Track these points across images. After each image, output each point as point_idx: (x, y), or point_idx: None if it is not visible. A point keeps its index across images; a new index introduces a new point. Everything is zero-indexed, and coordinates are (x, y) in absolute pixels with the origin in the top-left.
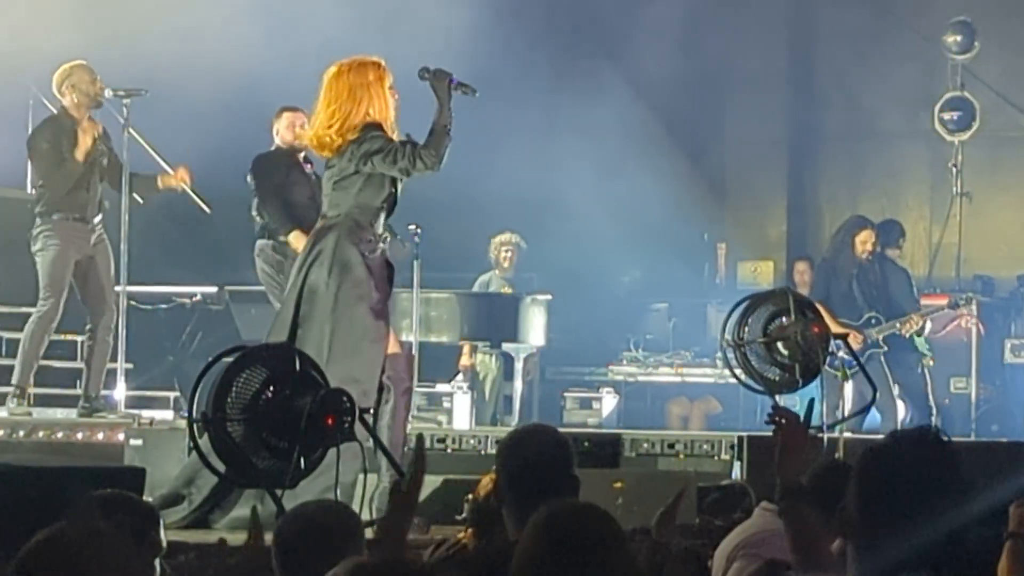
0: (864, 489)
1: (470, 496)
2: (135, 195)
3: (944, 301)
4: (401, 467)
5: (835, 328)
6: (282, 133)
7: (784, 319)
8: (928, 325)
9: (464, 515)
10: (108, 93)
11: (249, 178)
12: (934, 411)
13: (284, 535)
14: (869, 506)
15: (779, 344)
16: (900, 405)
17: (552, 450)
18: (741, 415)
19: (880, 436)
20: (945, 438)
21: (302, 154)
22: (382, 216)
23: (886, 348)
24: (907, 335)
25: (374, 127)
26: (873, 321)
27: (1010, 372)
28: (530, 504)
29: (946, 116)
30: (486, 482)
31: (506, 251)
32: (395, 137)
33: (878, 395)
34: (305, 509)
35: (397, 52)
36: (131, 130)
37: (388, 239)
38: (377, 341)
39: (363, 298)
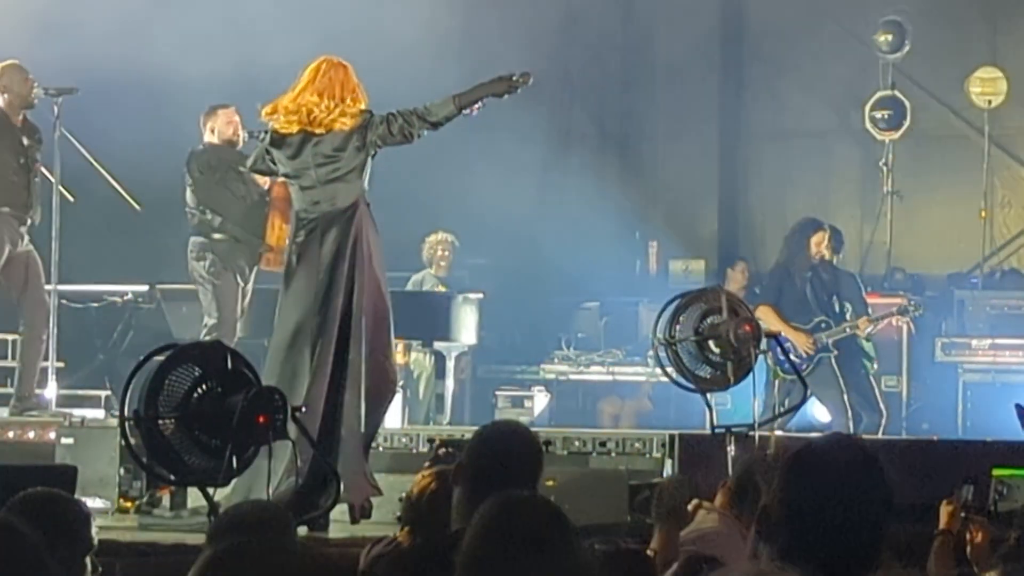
0: (787, 497)
1: (404, 495)
2: (65, 192)
3: (893, 302)
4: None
5: (786, 331)
6: (220, 129)
7: (716, 317)
8: (873, 328)
9: (399, 514)
10: (40, 92)
11: (187, 175)
12: (883, 413)
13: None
14: (792, 514)
15: (711, 342)
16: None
17: (522, 448)
18: (673, 413)
19: (819, 434)
20: (867, 446)
21: (238, 149)
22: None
23: (836, 352)
24: (862, 335)
25: (365, 114)
26: (823, 325)
27: (940, 370)
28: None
29: (877, 115)
30: (419, 480)
31: (441, 250)
32: None
33: (833, 397)
34: (240, 509)
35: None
36: (62, 129)
37: None
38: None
39: (383, 270)
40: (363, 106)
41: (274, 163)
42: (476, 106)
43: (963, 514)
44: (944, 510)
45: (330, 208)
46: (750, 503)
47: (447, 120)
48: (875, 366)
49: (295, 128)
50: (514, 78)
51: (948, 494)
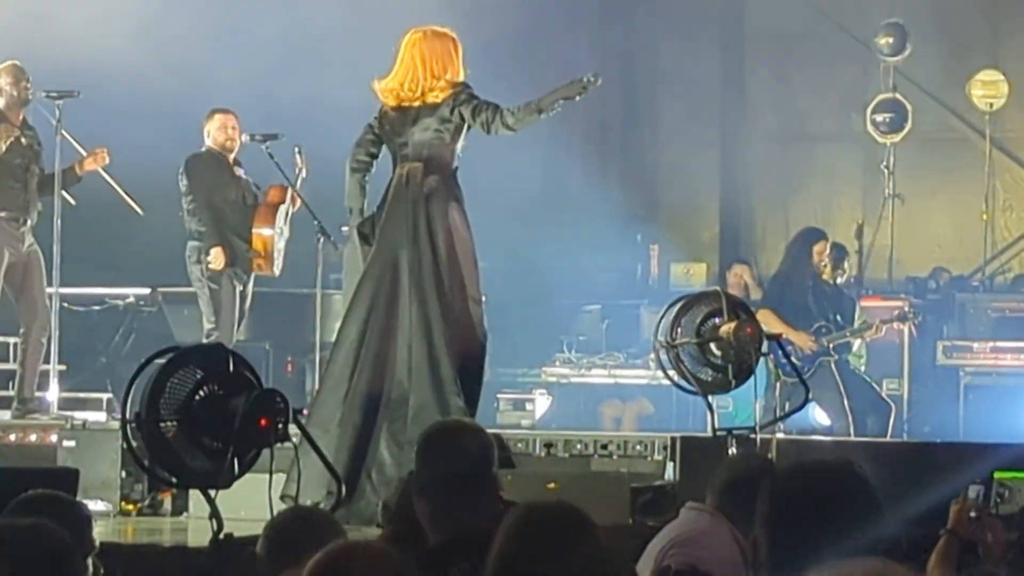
0: (777, 518)
1: (385, 500)
2: (67, 196)
3: (894, 305)
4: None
5: (788, 333)
6: (214, 135)
7: (717, 320)
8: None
9: (379, 520)
10: (40, 95)
11: (182, 179)
12: (891, 405)
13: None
14: (781, 534)
15: (712, 345)
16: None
17: (475, 448)
18: (674, 416)
19: (820, 437)
20: (860, 469)
21: (232, 155)
22: None
23: (836, 356)
24: (867, 341)
25: (464, 84)
26: (824, 330)
27: (942, 373)
28: (447, 500)
29: (878, 118)
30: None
31: None
32: None
33: (832, 400)
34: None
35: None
36: (64, 132)
37: (321, 240)
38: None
39: (467, 219)
40: (459, 77)
41: (377, 140)
42: (555, 109)
43: (972, 514)
44: (953, 510)
45: (410, 158)
46: (742, 504)
47: (527, 125)
48: (863, 362)
49: (392, 103)
50: (585, 80)
51: (956, 495)
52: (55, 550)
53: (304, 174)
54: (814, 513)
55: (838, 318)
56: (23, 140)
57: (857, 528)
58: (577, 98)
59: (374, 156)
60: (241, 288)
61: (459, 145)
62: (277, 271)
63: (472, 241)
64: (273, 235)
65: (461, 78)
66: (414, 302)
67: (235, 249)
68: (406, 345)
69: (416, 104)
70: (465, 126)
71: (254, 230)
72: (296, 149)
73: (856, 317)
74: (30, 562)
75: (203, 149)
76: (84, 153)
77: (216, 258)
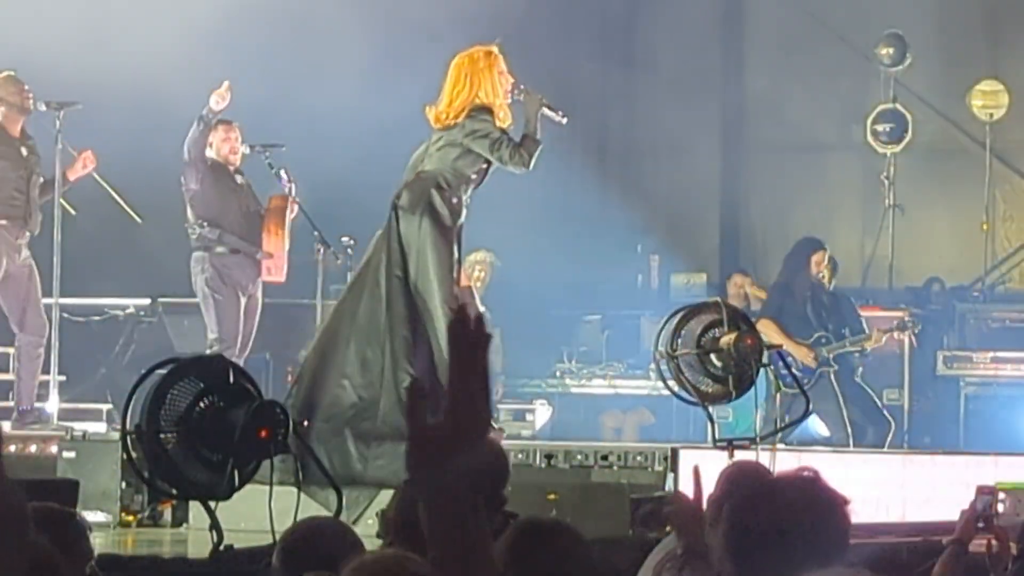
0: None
1: (381, 511)
2: (67, 206)
3: (894, 315)
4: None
5: (788, 344)
6: (217, 146)
7: (717, 330)
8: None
9: (378, 531)
10: (41, 106)
11: (185, 189)
12: (891, 423)
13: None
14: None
15: (712, 356)
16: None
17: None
18: (674, 427)
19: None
20: (821, 483)
21: (233, 167)
22: (471, 187)
23: (836, 367)
24: (868, 350)
25: (485, 110)
26: (823, 340)
27: (942, 384)
28: None
29: (878, 128)
30: (398, 495)
31: (479, 270)
32: (505, 116)
33: (831, 411)
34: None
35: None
36: (64, 142)
37: (322, 251)
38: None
39: (444, 235)
40: (494, 97)
41: None
42: (551, 116)
43: (980, 524)
44: (959, 519)
45: (410, 177)
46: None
47: (531, 147)
48: (860, 370)
49: (437, 126)
50: (524, 89)
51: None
52: (42, 566)
53: (294, 191)
54: (775, 539)
55: (843, 330)
56: (23, 150)
57: (823, 549)
58: (543, 110)
59: None
60: (246, 300)
61: (465, 165)
62: (283, 278)
63: (446, 253)
64: (284, 238)
65: (492, 98)
66: (386, 309)
67: (246, 256)
68: (379, 347)
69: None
70: (478, 155)
71: (265, 235)
72: (281, 170)
73: (859, 319)
74: None
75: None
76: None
77: (269, 270)
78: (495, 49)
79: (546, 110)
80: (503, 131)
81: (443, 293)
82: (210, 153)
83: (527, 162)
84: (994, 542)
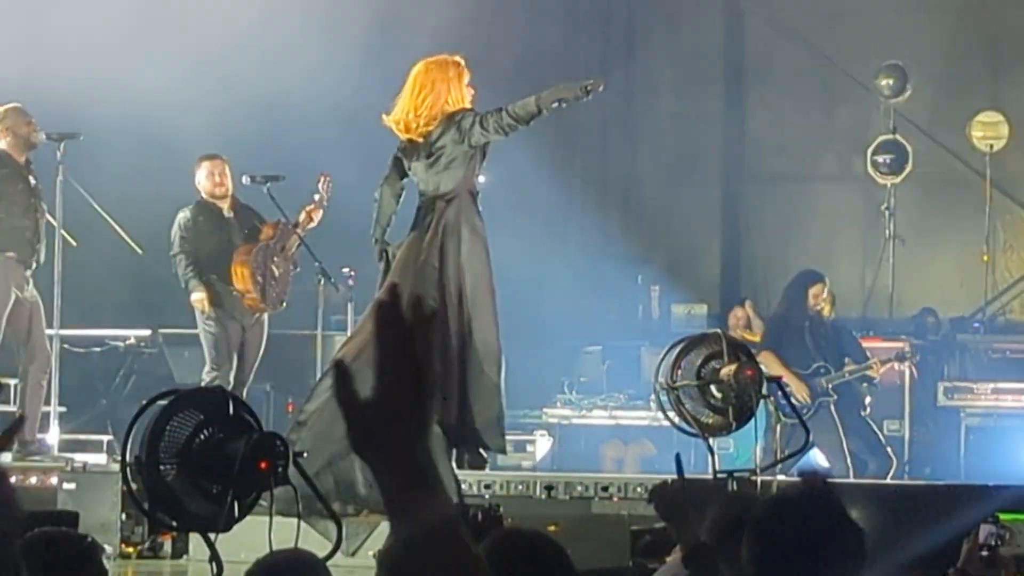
0: (757, 550)
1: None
2: (67, 237)
3: (895, 346)
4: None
5: (787, 376)
6: (202, 183)
7: (717, 362)
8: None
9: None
10: (43, 137)
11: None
12: (892, 458)
13: None
14: (764, 566)
15: (712, 387)
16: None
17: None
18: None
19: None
20: (832, 495)
21: (224, 201)
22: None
23: (836, 396)
24: (876, 380)
25: (462, 112)
26: (822, 370)
27: (943, 415)
28: None
29: (879, 159)
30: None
31: None
32: None
33: (832, 443)
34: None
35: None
36: (65, 173)
37: (322, 281)
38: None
39: (487, 251)
40: (459, 105)
41: (402, 171)
42: (554, 106)
43: (983, 553)
44: (965, 548)
45: (433, 193)
46: (731, 544)
47: (532, 119)
48: (868, 400)
49: (405, 136)
50: (587, 84)
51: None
52: (79, 553)
53: (320, 214)
54: (799, 557)
55: (843, 361)
56: (31, 180)
57: (843, 570)
58: (576, 101)
59: (399, 189)
60: (244, 331)
61: (474, 171)
62: (273, 306)
63: (488, 272)
64: (248, 275)
65: (461, 105)
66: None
67: (219, 292)
68: None
69: (419, 138)
70: (475, 152)
71: (239, 272)
72: (323, 179)
73: (861, 349)
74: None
75: (192, 204)
76: (85, 194)
77: (197, 303)
78: (462, 60)
79: (573, 96)
80: (474, 111)
81: (495, 306)
82: (199, 189)
83: (513, 124)
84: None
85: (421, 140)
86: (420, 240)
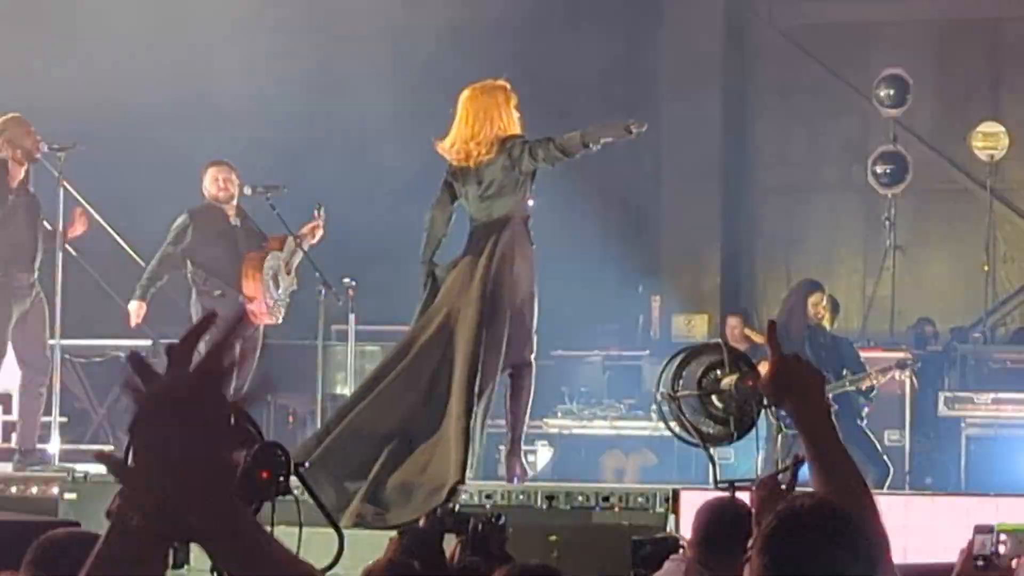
0: (767, 561)
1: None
2: (68, 247)
3: (895, 356)
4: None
5: None
6: (208, 188)
7: (719, 372)
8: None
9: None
10: (43, 147)
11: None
12: (890, 468)
13: None
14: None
15: (713, 397)
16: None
17: None
18: (676, 468)
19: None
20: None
21: (230, 206)
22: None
23: (835, 407)
24: (876, 390)
25: (511, 137)
26: None
27: (943, 425)
28: None
29: (879, 170)
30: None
31: None
32: None
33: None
34: None
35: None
36: (65, 183)
37: (323, 292)
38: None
39: (534, 277)
40: (509, 131)
41: (452, 196)
42: (598, 145)
43: (979, 563)
44: (959, 558)
45: (486, 219)
46: (717, 553)
47: (578, 153)
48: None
49: (458, 162)
50: (632, 126)
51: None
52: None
53: (320, 233)
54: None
55: (842, 371)
56: (31, 191)
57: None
58: (619, 139)
59: (451, 213)
60: (241, 341)
61: (524, 195)
62: (275, 319)
63: (532, 299)
64: (260, 282)
65: (511, 131)
66: (447, 357)
67: (231, 299)
68: (423, 392)
69: (471, 164)
70: (525, 178)
71: (243, 279)
72: (317, 206)
73: (859, 360)
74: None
75: (194, 207)
76: (85, 204)
77: (131, 311)
78: (507, 84)
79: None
80: (524, 139)
81: (533, 326)
82: (205, 195)
83: (560, 155)
84: None
85: (472, 166)
86: (474, 265)
